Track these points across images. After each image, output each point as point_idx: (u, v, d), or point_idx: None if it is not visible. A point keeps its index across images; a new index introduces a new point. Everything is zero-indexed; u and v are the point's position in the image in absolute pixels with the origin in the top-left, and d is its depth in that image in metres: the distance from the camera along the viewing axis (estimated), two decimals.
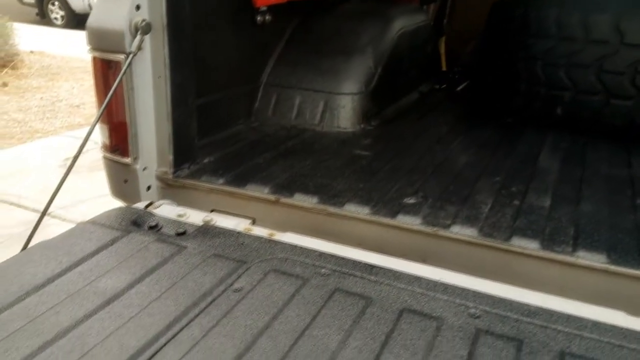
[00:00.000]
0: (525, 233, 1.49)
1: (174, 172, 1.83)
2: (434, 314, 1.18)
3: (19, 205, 3.76)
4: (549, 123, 2.54)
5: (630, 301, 1.31)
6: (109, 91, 1.64)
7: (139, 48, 1.64)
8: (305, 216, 1.67)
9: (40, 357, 1.02)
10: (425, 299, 1.23)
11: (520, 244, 1.45)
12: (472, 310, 1.19)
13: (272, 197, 1.70)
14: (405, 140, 2.30)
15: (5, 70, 7.27)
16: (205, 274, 1.30)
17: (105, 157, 1.85)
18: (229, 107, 2.27)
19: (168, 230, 1.52)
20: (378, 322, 1.15)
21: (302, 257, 1.38)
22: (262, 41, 2.41)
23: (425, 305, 1.21)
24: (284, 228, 1.56)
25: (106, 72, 1.71)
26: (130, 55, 1.63)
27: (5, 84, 6.86)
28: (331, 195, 1.70)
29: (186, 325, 1.12)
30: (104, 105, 1.67)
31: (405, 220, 1.57)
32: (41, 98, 6.54)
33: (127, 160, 1.78)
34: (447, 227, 1.53)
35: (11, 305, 1.16)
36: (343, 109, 2.39)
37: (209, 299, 1.21)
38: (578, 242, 1.45)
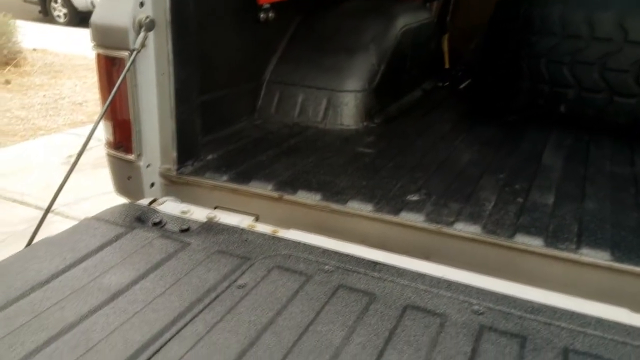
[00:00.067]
0: (528, 230, 1.49)
1: (178, 169, 1.83)
2: (438, 311, 1.18)
3: (22, 203, 3.77)
4: (553, 121, 2.54)
5: (634, 298, 1.31)
6: (113, 88, 1.65)
7: (143, 45, 1.64)
8: (308, 213, 1.67)
9: (45, 352, 1.02)
10: (428, 296, 1.23)
11: (524, 241, 1.45)
12: (476, 307, 1.19)
13: (275, 194, 1.70)
14: (408, 137, 2.30)
15: (8, 67, 7.29)
16: (209, 270, 1.30)
17: (109, 154, 1.85)
18: (232, 105, 2.27)
19: (172, 226, 1.52)
20: (382, 318, 1.15)
21: (306, 253, 1.38)
22: (265, 38, 2.41)
23: (428, 302, 1.21)
24: (287, 225, 1.56)
25: (110, 69, 1.71)
26: (134, 52, 1.63)
27: (8, 82, 6.87)
28: (334, 192, 1.70)
29: (190, 320, 1.12)
30: (107, 102, 1.67)
31: (409, 218, 1.56)
32: (44, 95, 6.55)
33: (131, 157, 1.78)
34: (451, 224, 1.52)
35: (16, 300, 1.17)
36: (346, 106, 2.39)
37: (213, 294, 1.21)
38: (582, 239, 1.45)
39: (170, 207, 1.66)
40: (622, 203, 1.69)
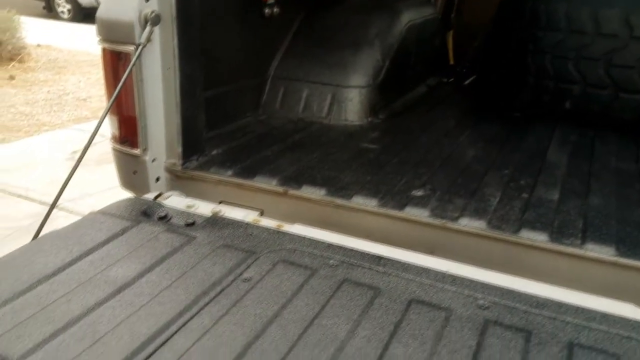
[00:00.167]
0: (534, 226, 1.49)
1: (183, 164, 1.84)
2: (443, 305, 1.18)
3: (27, 198, 3.79)
4: (558, 117, 2.53)
5: (639, 293, 1.31)
6: (119, 83, 1.65)
7: (149, 39, 1.64)
8: (313, 208, 1.67)
9: (52, 344, 1.03)
10: (433, 290, 1.23)
11: (529, 236, 1.45)
12: (481, 302, 1.19)
13: (280, 189, 1.70)
14: (412, 133, 2.30)
15: (13, 63, 7.30)
16: (215, 264, 1.31)
17: (114, 149, 1.86)
18: (237, 100, 2.27)
19: (177, 220, 1.53)
20: (386, 312, 1.15)
21: (311, 248, 1.39)
22: (269, 34, 2.41)
23: (433, 296, 1.21)
24: (292, 220, 1.56)
25: (116, 63, 1.71)
26: (140, 47, 1.63)
27: (12, 77, 6.89)
28: (339, 187, 1.70)
29: (196, 313, 1.13)
30: (113, 97, 1.67)
31: (413, 213, 1.57)
32: (48, 91, 6.57)
33: (137, 151, 1.79)
34: (456, 219, 1.53)
35: (23, 293, 1.17)
36: (350, 102, 2.39)
37: (219, 288, 1.21)
38: (587, 234, 1.45)
39: (176, 201, 1.66)
40: (628, 199, 1.69)
